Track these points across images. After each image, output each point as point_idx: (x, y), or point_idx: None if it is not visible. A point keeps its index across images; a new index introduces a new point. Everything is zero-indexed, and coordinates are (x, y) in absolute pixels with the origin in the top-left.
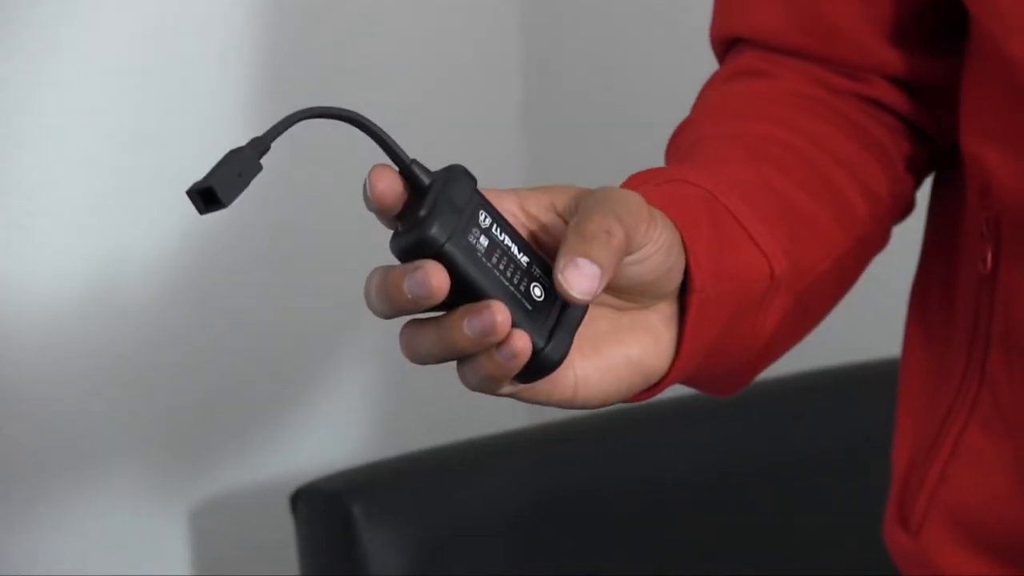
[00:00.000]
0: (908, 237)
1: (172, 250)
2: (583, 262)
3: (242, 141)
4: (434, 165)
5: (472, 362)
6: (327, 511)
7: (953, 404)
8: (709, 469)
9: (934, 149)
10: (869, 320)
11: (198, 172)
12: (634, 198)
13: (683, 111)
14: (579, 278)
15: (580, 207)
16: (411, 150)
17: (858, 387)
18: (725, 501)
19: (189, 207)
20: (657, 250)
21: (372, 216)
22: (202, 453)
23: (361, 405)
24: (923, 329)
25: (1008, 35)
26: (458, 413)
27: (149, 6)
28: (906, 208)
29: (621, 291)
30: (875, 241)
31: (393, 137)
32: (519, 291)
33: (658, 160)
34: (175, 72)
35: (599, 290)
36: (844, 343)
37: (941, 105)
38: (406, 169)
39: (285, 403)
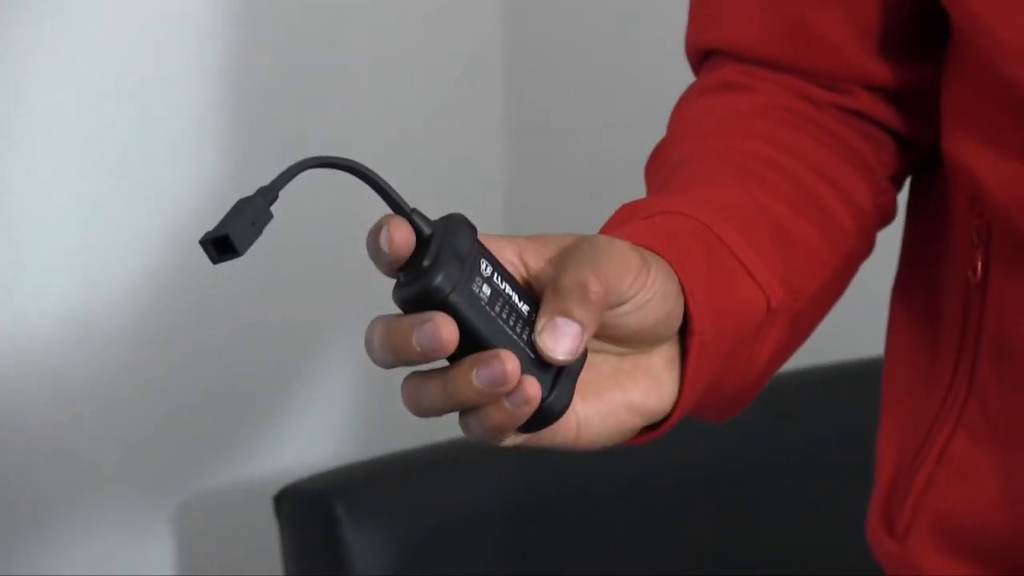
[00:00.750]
0: (895, 235)
1: (157, 252)
2: (561, 321)
3: (227, 147)
4: (416, 173)
5: (478, 413)
6: (311, 511)
7: (940, 411)
8: (695, 468)
9: (916, 155)
10: (856, 319)
11: (184, 176)
12: (620, 247)
13: (667, 118)
14: (557, 338)
15: (560, 262)
16: (395, 159)
17: (844, 386)
18: (712, 500)
19: (172, 211)
20: (652, 297)
21: (353, 217)
22: (186, 454)
23: (345, 405)
24: (907, 334)
25: (1004, 57)
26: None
27: (131, 9)
28: (889, 217)
29: (621, 340)
30: (861, 252)
31: (376, 141)
32: (522, 340)
33: (642, 166)
34: (158, 76)
35: (580, 347)
36: (830, 342)
37: (924, 110)
38: (407, 218)
39: (268, 404)
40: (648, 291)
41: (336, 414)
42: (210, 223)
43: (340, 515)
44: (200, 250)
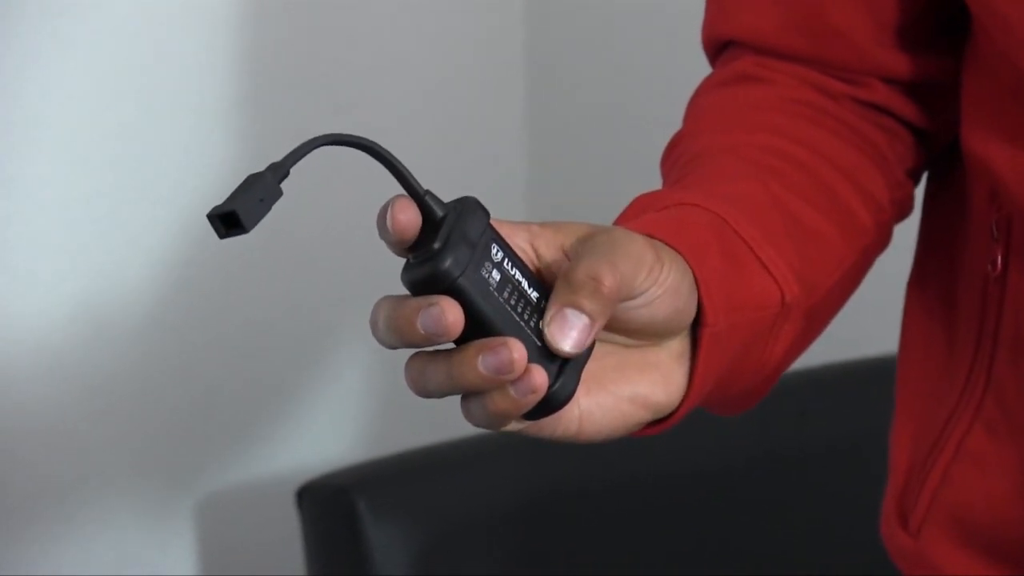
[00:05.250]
0: (910, 232)
1: (172, 245)
2: (570, 312)
3: (241, 143)
4: (436, 167)
5: (481, 398)
6: (332, 506)
7: (957, 405)
8: (714, 464)
9: (932, 148)
10: (873, 316)
11: (197, 171)
12: (637, 242)
13: (683, 112)
14: (566, 330)
15: (576, 253)
16: (414, 151)
17: (861, 383)
18: (729, 496)
19: (186, 207)
20: (663, 292)
21: (366, 213)
22: (207, 449)
23: (366, 400)
24: (922, 329)
25: (1018, 47)
26: None
27: (143, 4)
28: (906, 211)
29: (630, 332)
30: (877, 247)
31: (396, 136)
32: (529, 327)
33: (659, 160)
34: (172, 73)
35: (588, 340)
36: (846, 339)
37: (941, 104)
38: (420, 200)
39: (290, 399)
40: (660, 286)
41: (358, 409)
42: None
43: (361, 510)
44: (211, 246)
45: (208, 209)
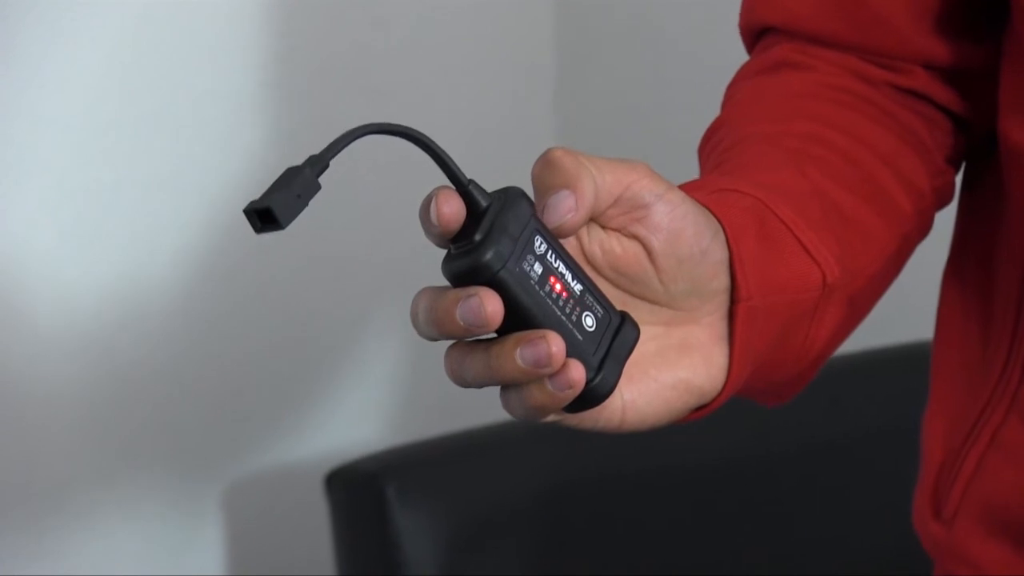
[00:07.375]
0: (946, 220)
1: (199, 233)
2: (553, 197)
3: (272, 130)
4: (463, 160)
5: (519, 391)
6: (361, 492)
7: (992, 395)
8: (743, 453)
9: (971, 136)
10: (902, 304)
11: (228, 158)
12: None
13: (717, 104)
14: (557, 210)
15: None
16: (440, 141)
17: (894, 370)
18: (759, 486)
19: (216, 194)
20: (687, 205)
21: (395, 203)
22: (236, 435)
23: (395, 386)
24: (958, 317)
25: None
26: (492, 394)
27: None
28: (947, 199)
29: (664, 276)
30: (918, 235)
31: (425, 129)
32: (571, 320)
33: (690, 154)
34: (205, 63)
35: (578, 208)
36: (882, 326)
37: (980, 91)
38: (463, 190)
39: (319, 384)
40: (666, 203)
41: (386, 395)
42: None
43: (390, 496)
44: (244, 231)
45: (237, 196)
